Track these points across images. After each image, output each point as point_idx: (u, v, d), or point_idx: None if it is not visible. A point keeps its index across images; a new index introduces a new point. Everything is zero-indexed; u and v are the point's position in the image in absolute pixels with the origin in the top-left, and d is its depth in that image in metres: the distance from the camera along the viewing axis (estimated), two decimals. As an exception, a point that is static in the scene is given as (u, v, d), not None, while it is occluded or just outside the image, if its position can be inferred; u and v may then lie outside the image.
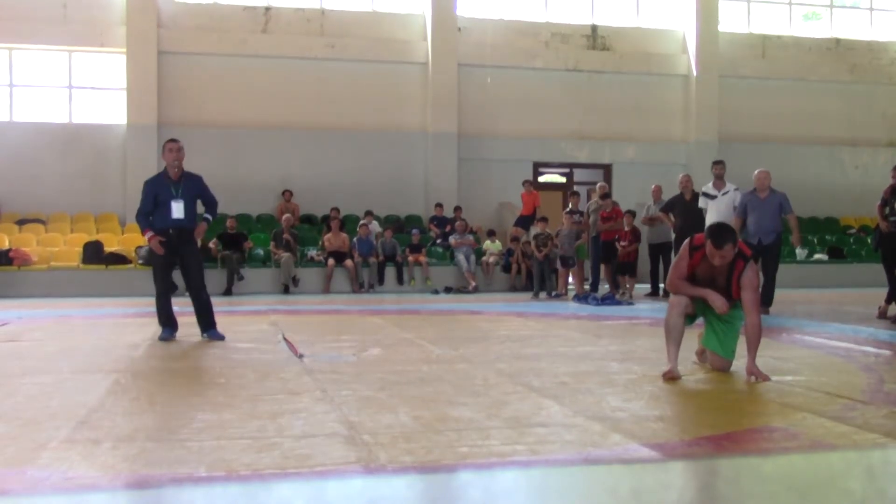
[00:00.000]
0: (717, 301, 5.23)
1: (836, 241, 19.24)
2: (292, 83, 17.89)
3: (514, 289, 15.97)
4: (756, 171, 10.22)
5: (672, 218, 12.37)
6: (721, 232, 5.13)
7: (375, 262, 15.96)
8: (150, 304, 7.89)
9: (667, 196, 13.42)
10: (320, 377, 5.31)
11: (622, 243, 13.76)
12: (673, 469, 3.28)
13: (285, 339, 7.31)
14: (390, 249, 16.21)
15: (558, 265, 14.20)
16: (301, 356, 6.23)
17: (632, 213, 14.14)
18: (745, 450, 3.53)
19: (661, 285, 13.70)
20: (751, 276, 5.22)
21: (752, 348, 5.18)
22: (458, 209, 17.55)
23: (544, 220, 14.78)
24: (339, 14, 18.31)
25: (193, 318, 7.55)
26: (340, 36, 18.19)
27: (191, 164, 7.79)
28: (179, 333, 7.55)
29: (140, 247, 14.76)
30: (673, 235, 12.50)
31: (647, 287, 14.19)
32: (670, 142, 19.81)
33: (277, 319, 9.46)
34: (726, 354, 5.49)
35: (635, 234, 13.96)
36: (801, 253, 18.32)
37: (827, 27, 21.06)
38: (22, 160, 16.65)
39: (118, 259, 15.34)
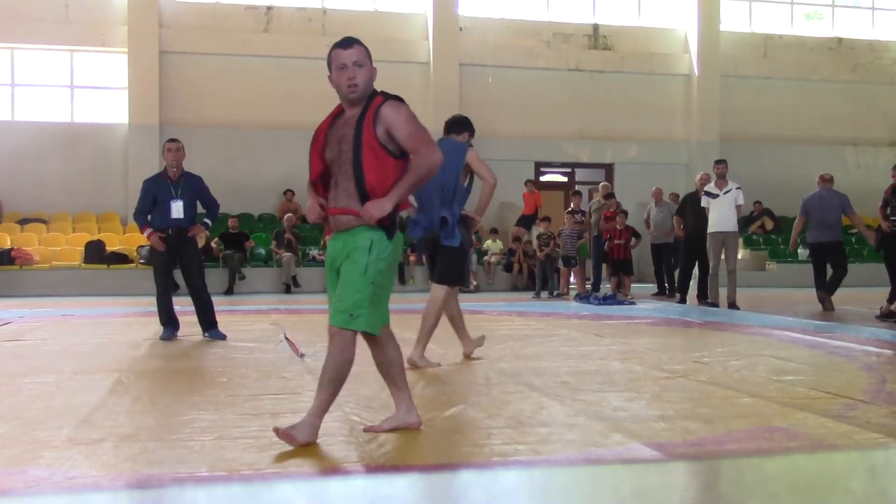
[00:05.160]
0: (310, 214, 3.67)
1: (837, 240, 19.21)
2: (294, 83, 17.86)
3: (515, 288, 15.97)
4: (823, 174, 10.87)
5: (681, 225, 12.22)
6: None
7: (377, 261, 15.94)
8: (151, 303, 7.88)
9: (667, 196, 13.43)
10: (322, 377, 5.30)
11: (617, 241, 13.68)
12: (675, 469, 3.28)
13: (287, 338, 7.30)
14: (392, 249, 16.19)
15: (560, 265, 14.20)
16: (302, 355, 6.23)
17: (624, 213, 14.06)
18: (747, 449, 3.53)
19: (667, 285, 13.74)
20: (392, 108, 3.59)
21: (403, 184, 3.52)
22: (459, 209, 17.51)
23: (546, 219, 14.76)
24: (340, 13, 18.31)
25: (195, 318, 7.55)
26: (342, 35, 17.98)
27: (192, 164, 7.79)
28: (181, 333, 7.56)
29: (141, 246, 14.77)
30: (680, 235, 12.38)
31: (642, 286, 14.17)
32: (672, 142, 19.80)
33: (279, 319, 9.45)
34: (333, 319, 3.48)
35: (634, 233, 13.91)
36: (803, 252, 18.30)
37: (829, 27, 21.04)
38: (24, 160, 16.66)
39: (120, 258, 15.35)
